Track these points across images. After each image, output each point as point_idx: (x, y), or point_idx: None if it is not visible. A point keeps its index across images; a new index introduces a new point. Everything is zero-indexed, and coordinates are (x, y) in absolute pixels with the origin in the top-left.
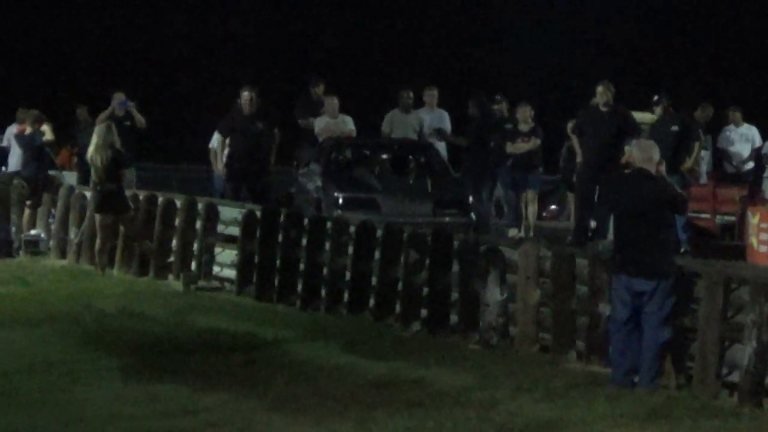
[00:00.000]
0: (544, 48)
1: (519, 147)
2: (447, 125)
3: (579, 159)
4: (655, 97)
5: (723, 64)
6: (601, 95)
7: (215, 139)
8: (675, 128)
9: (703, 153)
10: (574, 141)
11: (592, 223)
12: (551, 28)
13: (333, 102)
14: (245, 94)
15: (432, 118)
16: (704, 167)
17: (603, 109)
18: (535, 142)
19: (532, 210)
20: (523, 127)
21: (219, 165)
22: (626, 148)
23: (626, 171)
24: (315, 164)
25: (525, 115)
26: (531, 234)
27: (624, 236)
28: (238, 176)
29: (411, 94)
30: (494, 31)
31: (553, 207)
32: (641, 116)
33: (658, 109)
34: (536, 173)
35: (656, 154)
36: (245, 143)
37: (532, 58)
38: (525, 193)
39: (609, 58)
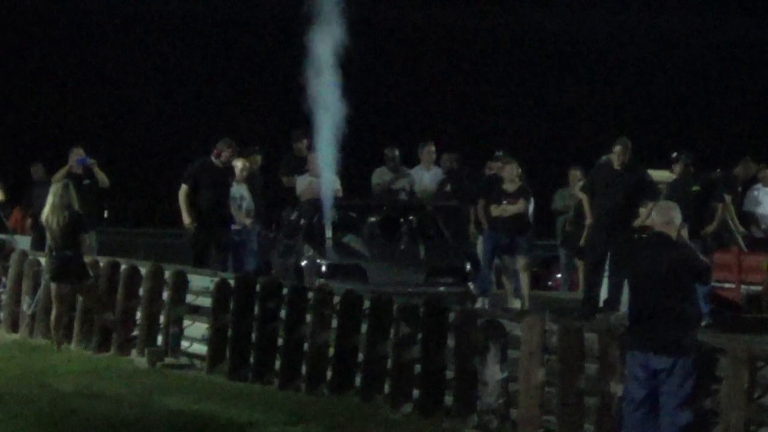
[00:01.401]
0: (551, 98)
1: (505, 209)
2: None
3: (589, 221)
4: (674, 154)
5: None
6: (619, 155)
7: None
8: (695, 188)
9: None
10: (584, 201)
11: (603, 293)
12: (559, 75)
13: (316, 159)
14: (229, 150)
15: (431, 178)
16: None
17: (617, 167)
18: (522, 205)
19: (524, 279)
20: (509, 187)
21: (186, 218)
22: (641, 210)
23: (643, 235)
24: (296, 228)
25: (511, 174)
26: (525, 306)
27: (640, 308)
28: (206, 230)
29: (397, 153)
30: (495, 80)
31: (559, 275)
32: (658, 174)
33: (677, 167)
34: (524, 238)
35: (678, 217)
36: (214, 195)
37: (536, 111)
38: (515, 261)
39: (624, 107)
